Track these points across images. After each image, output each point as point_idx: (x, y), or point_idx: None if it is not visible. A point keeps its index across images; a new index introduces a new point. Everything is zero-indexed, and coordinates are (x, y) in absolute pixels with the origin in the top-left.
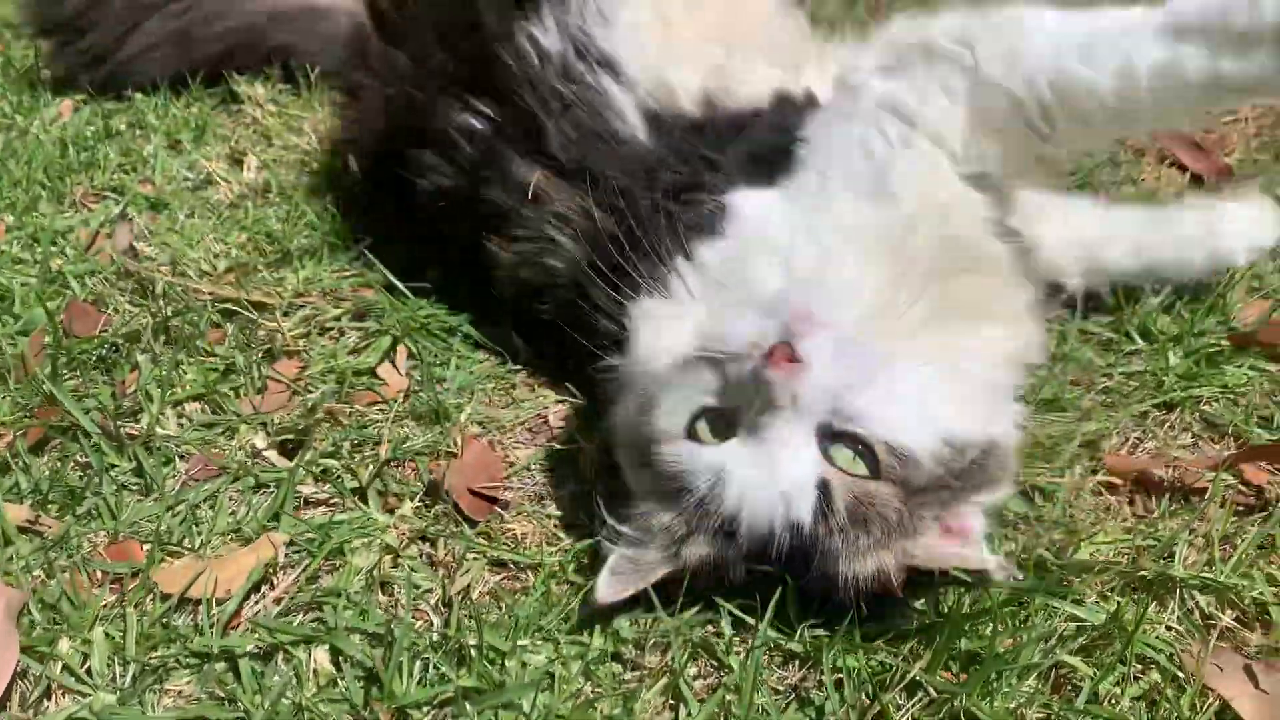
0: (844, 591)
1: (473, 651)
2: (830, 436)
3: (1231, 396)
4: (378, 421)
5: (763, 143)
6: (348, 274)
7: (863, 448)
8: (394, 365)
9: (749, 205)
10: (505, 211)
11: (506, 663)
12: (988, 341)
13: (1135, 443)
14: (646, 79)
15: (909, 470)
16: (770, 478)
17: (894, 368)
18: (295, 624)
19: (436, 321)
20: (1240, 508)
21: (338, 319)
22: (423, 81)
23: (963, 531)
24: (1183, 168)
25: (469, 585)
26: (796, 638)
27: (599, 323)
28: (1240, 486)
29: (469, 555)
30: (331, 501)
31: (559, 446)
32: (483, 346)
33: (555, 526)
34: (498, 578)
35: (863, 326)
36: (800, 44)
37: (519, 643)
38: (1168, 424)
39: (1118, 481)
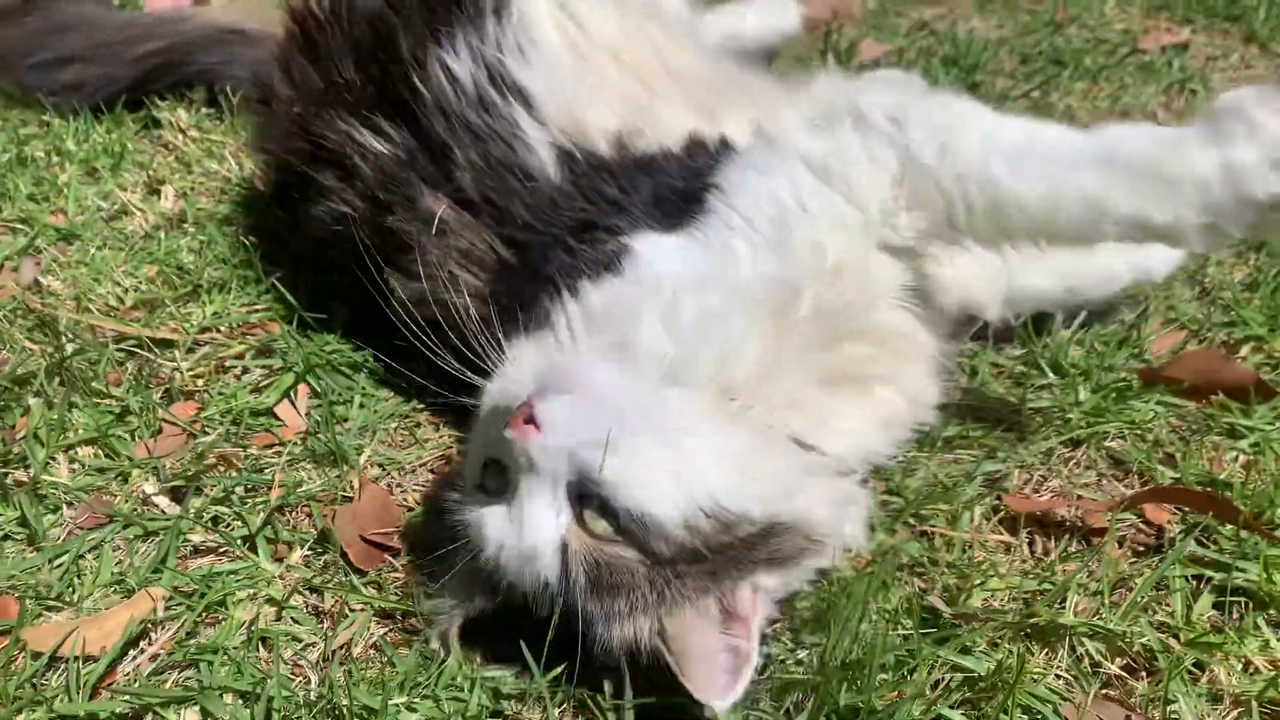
0: (599, 657)
1: (345, 711)
2: (580, 498)
3: (1139, 432)
4: (273, 464)
5: (670, 186)
6: (257, 308)
7: (609, 511)
8: (293, 405)
9: (648, 250)
10: (406, 245)
11: None
12: (848, 413)
13: (1039, 480)
14: (560, 115)
15: (651, 537)
16: (516, 536)
17: (662, 432)
18: (168, 683)
19: (342, 357)
20: (1140, 548)
21: (240, 356)
22: (332, 100)
23: (736, 614)
24: None
25: (351, 639)
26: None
27: (489, 362)
28: (1141, 526)
29: (354, 606)
30: (221, 550)
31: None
32: (388, 384)
33: None
34: (384, 630)
35: (639, 388)
36: (725, 91)
37: (394, 700)
38: (1073, 461)
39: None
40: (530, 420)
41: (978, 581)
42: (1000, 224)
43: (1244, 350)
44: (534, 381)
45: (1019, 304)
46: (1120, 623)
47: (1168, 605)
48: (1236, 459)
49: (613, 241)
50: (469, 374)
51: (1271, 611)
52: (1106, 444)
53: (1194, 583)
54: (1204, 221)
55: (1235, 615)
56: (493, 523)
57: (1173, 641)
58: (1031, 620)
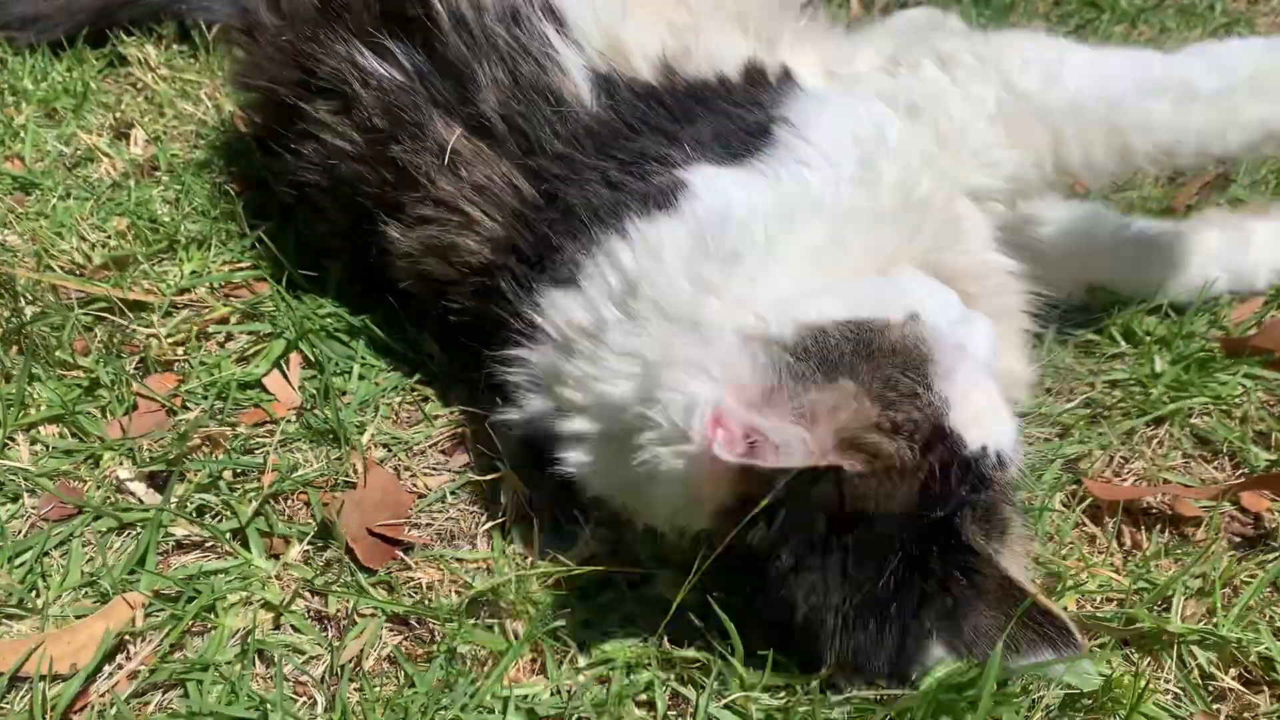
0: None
1: None
2: None
3: (1225, 408)
4: (264, 445)
5: (729, 115)
6: (241, 266)
7: None
8: (285, 376)
9: (705, 184)
10: (413, 181)
11: None
12: None
13: (1121, 463)
14: (597, 34)
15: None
16: (996, 389)
17: None
18: (151, 706)
19: (338, 321)
20: (1236, 538)
21: (224, 320)
22: (329, 20)
23: None
24: None
25: (361, 651)
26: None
27: (510, 320)
28: (1237, 514)
29: (363, 611)
30: (208, 545)
31: (475, 475)
32: (391, 351)
33: (471, 571)
34: (398, 639)
35: None
36: (778, 18)
37: None
38: (1155, 440)
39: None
40: None
41: (1069, 583)
42: (1121, 152)
43: None
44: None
45: (1106, 292)
46: (1234, 629)
47: None
48: None
49: (665, 174)
50: (484, 344)
51: None
52: (1191, 421)
53: None
54: None
55: None
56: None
57: None
58: (1134, 627)
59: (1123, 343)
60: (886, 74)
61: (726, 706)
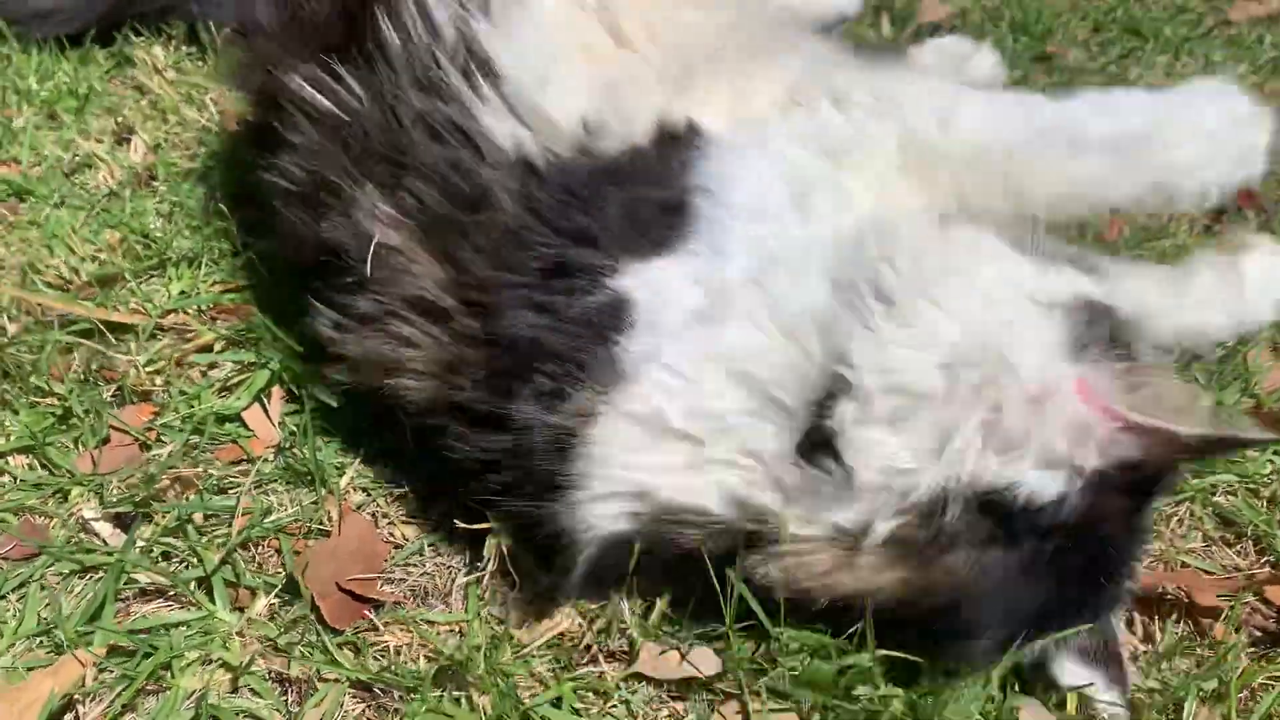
0: None
1: None
2: None
3: (1252, 486)
4: (239, 485)
5: (647, 199)
6: (231, 287)
7: None
8: (265, 411)
9: (648, 291)
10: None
11: None
12: None
13: None
14: (523, 98)
15: None
16: None
17: None
18: None
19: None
20: (1258, 633)
21: (208, 348)
22: (296, 34)
23: None
24: None
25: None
26: None
27: None
28: (1259, 606)
29: (327, 676)
30: (171, 593)
31: (459, 522)
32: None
33: (442, 634)
34: (361, 706)
35: None
36: (723, 58)
37: None
38: (1175, 519)
39: None
40: None
41: None
42: (1018, 199)
43: None
44: None
45: None
46: None
47: None
48: None
49: (598, 290)
50: None
51: None
52: (1215, 499)
53: None
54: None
55: None
56: None
57: None
58: None
59: None
60: (785, 116)
61: None
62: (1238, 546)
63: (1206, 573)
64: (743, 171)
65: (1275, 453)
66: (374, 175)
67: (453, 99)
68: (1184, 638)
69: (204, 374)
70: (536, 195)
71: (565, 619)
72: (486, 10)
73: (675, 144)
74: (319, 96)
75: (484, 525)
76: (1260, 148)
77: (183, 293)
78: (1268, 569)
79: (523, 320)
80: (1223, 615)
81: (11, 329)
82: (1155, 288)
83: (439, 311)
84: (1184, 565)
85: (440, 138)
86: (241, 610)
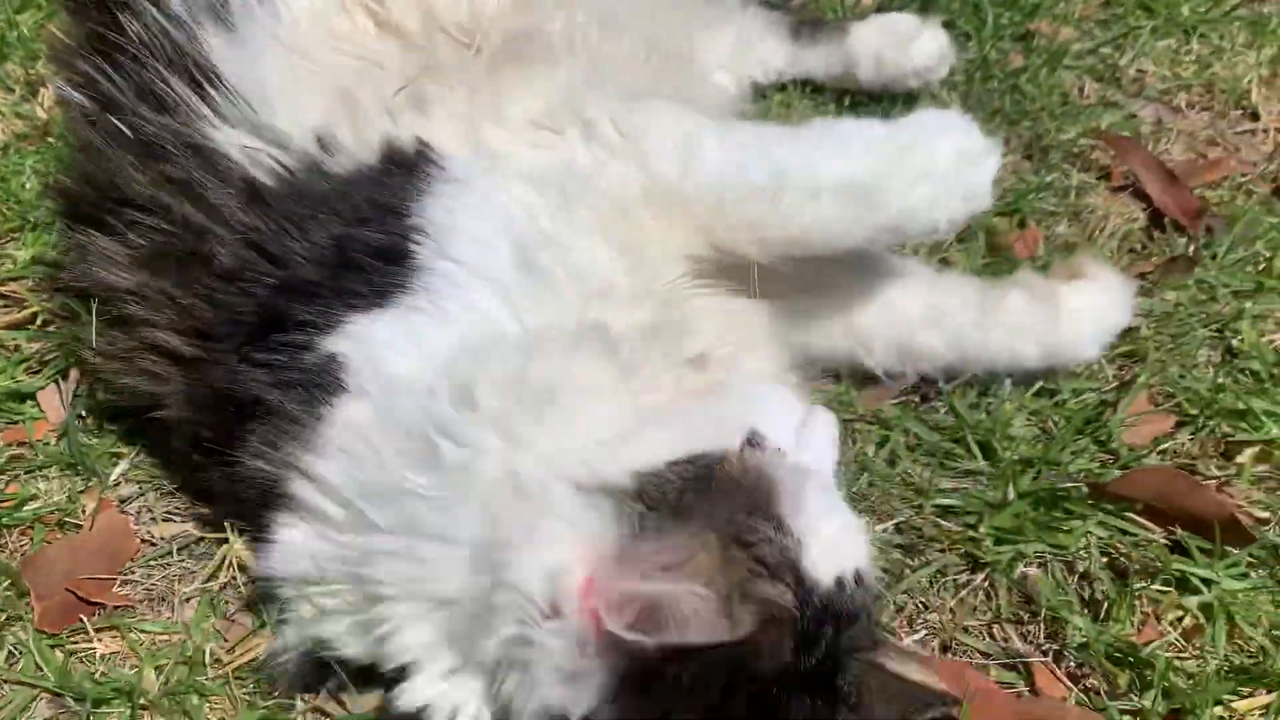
0: None
1: None
2: None
3: (1067, 559)
4: (13, 469)
5: (361, 240)
6: None
7: None
8: (59, 390)
9: (363, 352)
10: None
11: None
12: None
13: (918, 609)
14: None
15: None
16: (847, 516)
17: None
18: None
19: None
20: None
21: (30, 321)
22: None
23: None
24: (1145, 198)
25: None
26: None
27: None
28: (1026, 693)
29: (25, 680)
30: None
31: (204, 533)
32: None
33: (156, 644)
34: (54, 711)
35: None
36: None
37: None
38: (970, 588)
39: None
40: None
41: None
42: (761, 244)
43: (1243, 455)
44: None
45: (917, 364)
46: None
47: None
48: (1180, 621)
49: (312, 350)
50: None
51: None
52: (1023, 569)
53: None
54: None
55: None
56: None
57: None
58: None
59: (980, 458)
60: (529, 144)
61: None
62: (1027, 627)
63: (983, 654)
64: (466, 219)
65: (1101, 522)
66: (103, 206)
67: (178, 109)
68: None
69: (16, 349)
70: (260, 224)
71: (265, 643)
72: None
73: (403, 169)
74: (77, 95)
75: (221, 535)
76: (987, 184)
77: (33, 258)
78: (1049, 656)
79: (245, 376)
80: None
81: None
82: (962, 304)
83: (179, 357)
84: (956, 642)
85: (166, 156)
86: None
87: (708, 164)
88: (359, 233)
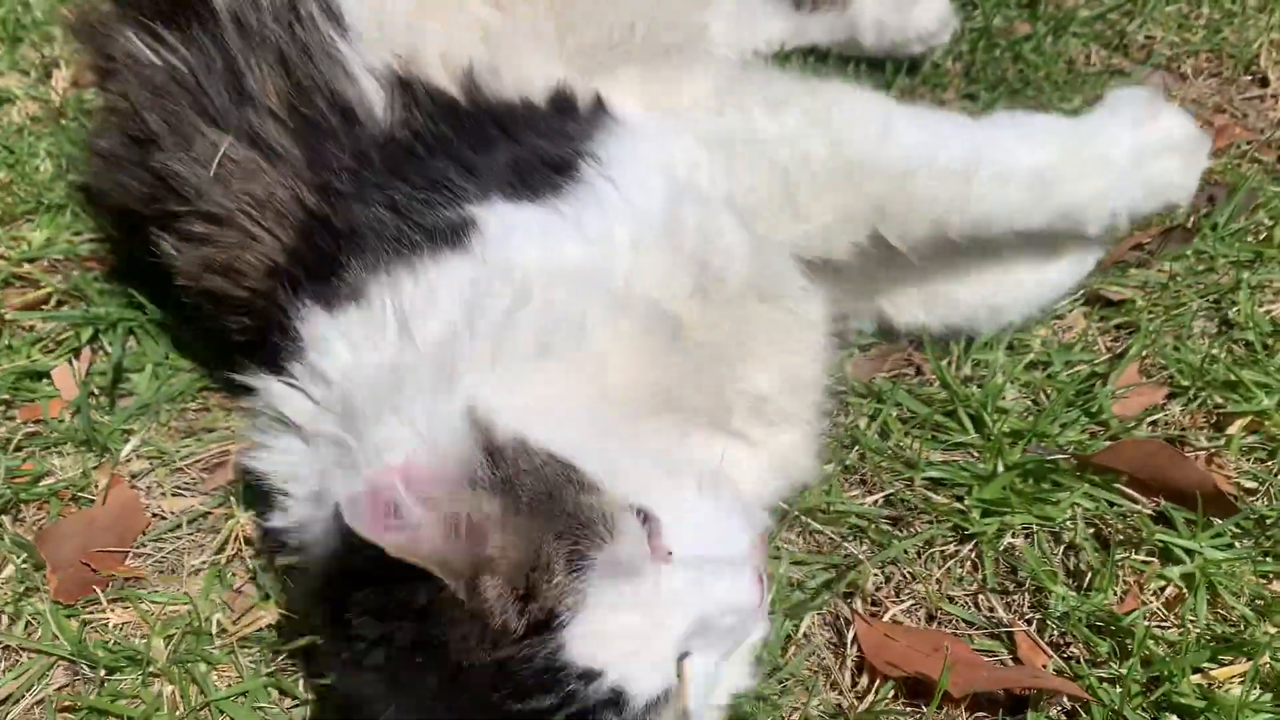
0: None
1: None
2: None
3: (1054, 529)
4: (29, 446)
5: (534, 147)
6: (91, 240)
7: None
8: (73, 370)
9: (500, 226)
10: (184, 195)
11: None
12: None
13: (904, 580)
14: (385, 38)
15: None
16: (667, 630)
17: None
18: None
19: (155, 313)
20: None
21: (44, 301)
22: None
23: None
24: None
25: (14, 693)
26: None
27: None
28: (1009, 662)
29: (39, 648)
30: None
31: (210, 509)
32: (193, 350)
33: (166, 614)
34: (66, 681)
35: None
36: (604, 38)
37: None
38: (958, 559)
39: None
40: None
41: None
42: (936, 223)
43: (1233, 427)
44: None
45: (937, 310)
46: None
47: None
48: (1162, 591)
49: (455, 208)
50: (258, 369)
51: None
52: (1010, 539)
53: None
54: None
55: None
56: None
57: None
58: None
59: (971, 431)
60: (712, 112)
61: None
62: (1013, 596)
63: (967, 623)
64: (636, 156)
65: (1087, 494)
66: (213, 110)
67: (313, 30)
68: (896, 697)
69: (32, 328)
70: (414, 115)
71: (269, 614)
72: None
73: (574, 110)
74: (145, 48)
75: (227, 510)
76: (1174, 178)
77: (47, 240)
78: (1033, 625)
79: (372, 214)
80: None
81: None
82: None
83: (284, 203)
84: (941, 612)
85: (301, 63)
86: None
87: (904, 141)
88: (534, 142)
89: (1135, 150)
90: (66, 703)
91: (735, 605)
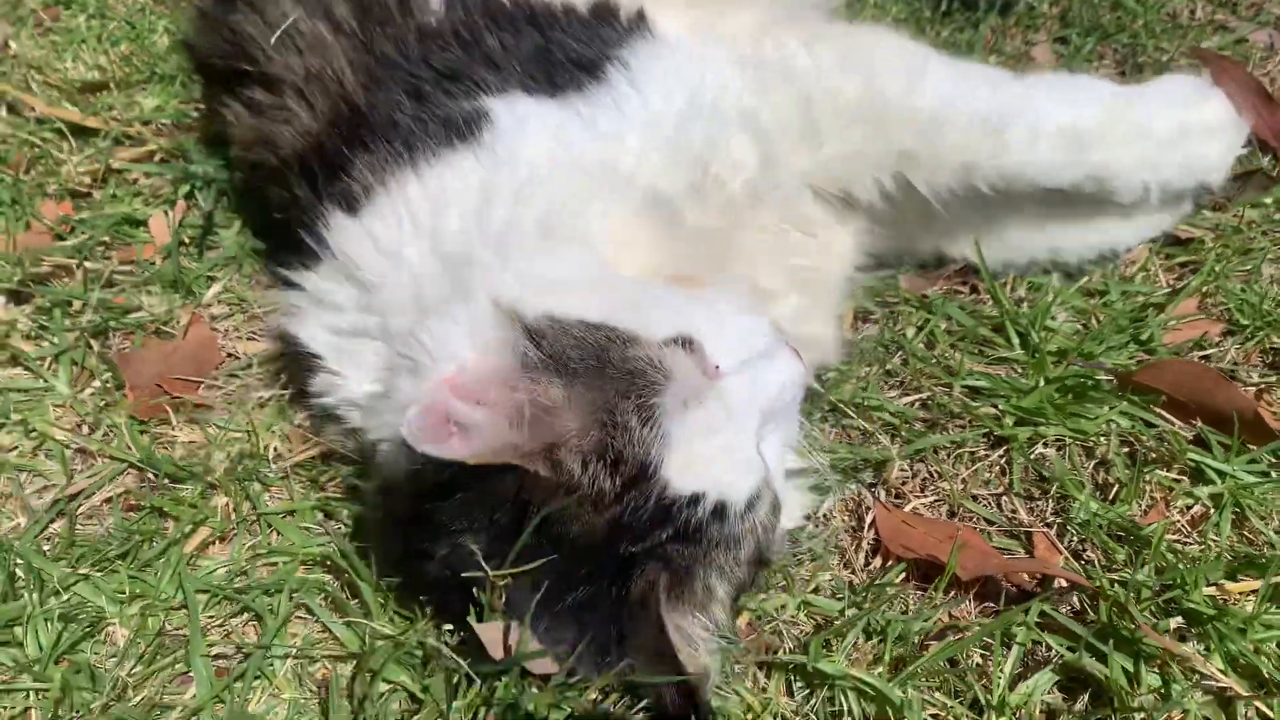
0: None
1: (19, 573)
2: None
3: (1087, 444)
4: (122, 284)
5: (565, 46)
6: (197, 107)
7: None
8: (167, 220)
9: (512, 119)
10: (253, 56)
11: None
12: None
13: (930, 478)
14: None
15: (773, 527)
16: (746, 440)
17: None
18: None
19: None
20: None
21: (149, 157)
22: None
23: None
24: None
25: (88, 489)
26: None
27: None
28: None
29: (113, 455)
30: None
31: (280, 353)
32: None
33: (228, 438)
34: (134, 485)
35: None
36: None
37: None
38: (986, 461)
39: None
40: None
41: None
42: (963, 170)
43: None
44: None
45: (993, 251)
46: (893, 685)
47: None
48: (1189, 510)
49: (471, 99)
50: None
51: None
52: (1042, 449)
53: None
54: None
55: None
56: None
57: None
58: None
59: (1017, 347)
60: (752, 40)
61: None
62: (1037, 503)
63: (988, 521)
64: (666, 67)
65: (1123, 412)
66: None
67: None
68: (907, 579)
69: (135, 180)
70: (463, 10)
71: (322, 445)
72: None
73: (614, 20)
74: None
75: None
76: (1213, 160)
77: (157, 107)
78: (1053, 529)
79: (396, 100)
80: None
81: None
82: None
83: (330, 80)
84: (964, 509)
85: None
86: (80, 388)
87: (939, 87)
88: (565, 40)
89: (1179, 126)
90: (132, 501)
91: (789, 382)
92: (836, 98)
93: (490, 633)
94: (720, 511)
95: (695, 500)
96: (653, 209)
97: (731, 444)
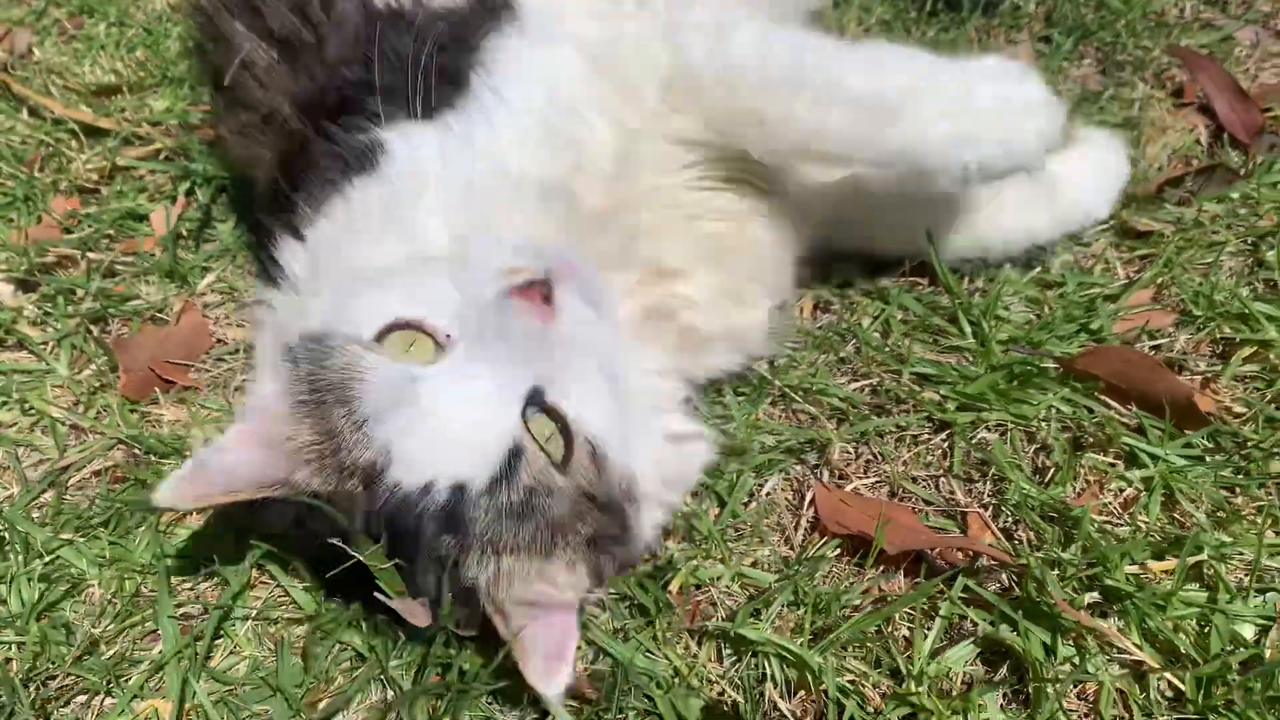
0: (437, 595)
1: (6, 535)
2: (535, 405)
3: (1029, 429)
4: (123, 274)
5: (440, 63)
6: (204, 110)
7: (563, 431)
8: (167, 214)
9: (403, 145)
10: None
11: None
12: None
13: (872, 460)
14: None
15: (597, 477)
16: (462, 416)
17: (618, 356)
18: None
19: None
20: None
21: (155, 154)
22: None
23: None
24: (1212, 116)
25: (76, 463)
26: None
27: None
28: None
29: (102, 431)
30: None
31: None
32: None
33: (211, 417)
34: (123, 459)
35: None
36: None
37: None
38: (929, 445)
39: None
40: (548, 300)
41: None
42: (766, 140)
43: (1241, 353)
44: (550, 258)
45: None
46: (812, 652)
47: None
48: (1121, 493)
49: (367, 132)
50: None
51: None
52: (985, 433)
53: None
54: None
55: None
56: (427, 390)
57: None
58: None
59: (969, 335)
60: (589, 12)
61: None
62: (977, 484)
63: (925, 501)
64: (520, 67)
65: (1065, 398)
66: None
67: None
68: (841, 556)
69: (140, 177)
70: (369, 34)
71: None
72: None
73: (491, 13)
74: None
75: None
76: (1033, 138)
77: (166, 109)
78: (988, 511)
79: (319, 148)
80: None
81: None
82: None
83: (284, 128)
84: (903, 490)
85: None
86: (78, 371)
87: (733, 49)
88: (437, 53)
89: (1001, 99)
90: (120, 474)
91: (531, 320)
92: (653, 74)
93: (408, 607)
94: (462, 491)
95: (427, 489)
96: (553, 199)
97: (444, 424)
